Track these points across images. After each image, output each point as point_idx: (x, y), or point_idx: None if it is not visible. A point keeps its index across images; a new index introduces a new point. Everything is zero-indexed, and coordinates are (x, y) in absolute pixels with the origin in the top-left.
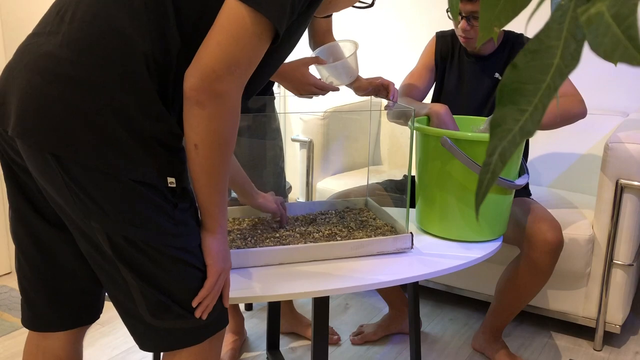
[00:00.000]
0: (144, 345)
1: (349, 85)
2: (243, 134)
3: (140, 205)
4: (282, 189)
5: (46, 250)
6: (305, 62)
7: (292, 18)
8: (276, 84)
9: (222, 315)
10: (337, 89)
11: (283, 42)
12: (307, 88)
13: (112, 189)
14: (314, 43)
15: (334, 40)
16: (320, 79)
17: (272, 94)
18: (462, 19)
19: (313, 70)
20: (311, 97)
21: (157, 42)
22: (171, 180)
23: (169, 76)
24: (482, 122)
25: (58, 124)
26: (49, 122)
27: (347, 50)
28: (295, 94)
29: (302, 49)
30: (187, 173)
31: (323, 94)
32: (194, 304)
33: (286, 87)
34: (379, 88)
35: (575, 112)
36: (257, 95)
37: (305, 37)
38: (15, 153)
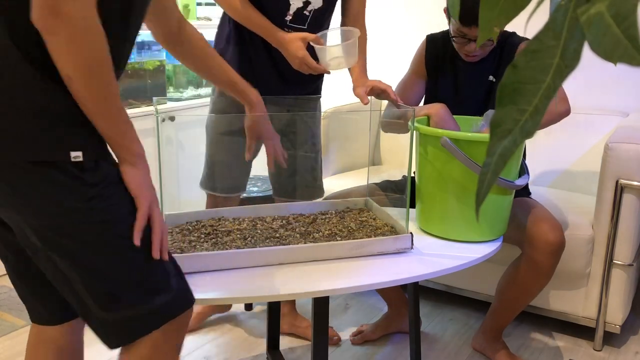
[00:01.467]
0: (109, 343)
1: (353, 80)
2: (289, 133)
3: (46, 188)
4: (317, 186)
5: (15, 248)
6: (303, 37)
7: None
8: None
9: (180, 295)
10: (328, 72)
11: None
12: (297, 61)
13: (14, 178)
14: (344, 25)
15: (364, 22)
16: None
17: (317, 89)
18: (469, 42)
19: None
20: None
21: (9, 12)
22: (76, 155)
23: (38, 40)
24: (481, 120)
25: None
26: None
27: (349, 36)
28: (291, 65)
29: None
30: (101, 145)
31: (314, 73)
32: (135, 236)
33: (285, 55)
34: (377, 91)
35: (560, 111)
36: (304, 95)
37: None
38: None
